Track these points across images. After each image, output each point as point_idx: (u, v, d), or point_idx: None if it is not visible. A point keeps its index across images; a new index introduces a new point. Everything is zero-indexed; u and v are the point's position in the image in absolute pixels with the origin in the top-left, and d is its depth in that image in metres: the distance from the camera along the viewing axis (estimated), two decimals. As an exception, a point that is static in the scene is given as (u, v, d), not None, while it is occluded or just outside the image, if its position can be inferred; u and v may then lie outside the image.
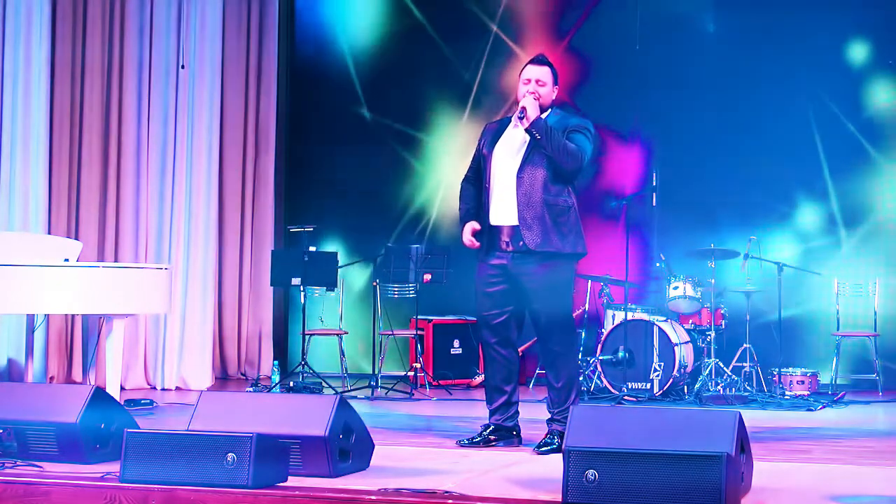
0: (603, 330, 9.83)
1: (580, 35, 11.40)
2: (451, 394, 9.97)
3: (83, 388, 5.51)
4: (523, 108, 6.07)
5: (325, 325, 11.00)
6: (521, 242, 6.08)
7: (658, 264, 10.13)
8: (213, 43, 10.92)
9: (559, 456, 4.59)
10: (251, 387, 10.32)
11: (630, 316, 9.61)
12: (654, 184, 9.71)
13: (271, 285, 10.81)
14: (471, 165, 6.45)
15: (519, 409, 6.36)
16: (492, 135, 6.33)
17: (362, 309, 11.44)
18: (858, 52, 10.73)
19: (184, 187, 10.67)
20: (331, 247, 11.59)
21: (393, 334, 10.62)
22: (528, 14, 11.63)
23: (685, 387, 9.54)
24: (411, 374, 10.33)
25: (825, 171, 10.75)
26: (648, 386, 9.38)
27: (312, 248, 10.12)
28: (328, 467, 4.91)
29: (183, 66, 10.64)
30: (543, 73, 6.24)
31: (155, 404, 8.79)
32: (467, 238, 6.32)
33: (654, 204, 9.86)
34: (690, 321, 9.87)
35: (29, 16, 9.98)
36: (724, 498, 4.16)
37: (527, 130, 6.07)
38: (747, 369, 9.73)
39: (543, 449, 6.01)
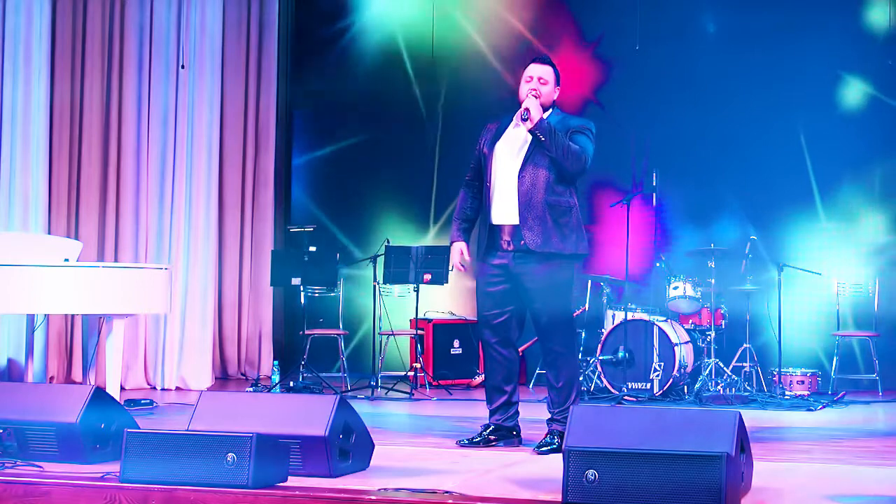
0: (603, 330, 9.83)
1: (581, 37, 11.42)
2: (451, 394, 9.97)
3: (83, 388, 5.51)
4: (526, 110, 6.05)
5: (325, 325, 11.00)
6: (522, 242, 6.07)
7: (658, 264, 10.13)
8: (213, 42, 10.93)
9: (559, 456, 4.59)
10: (251, 387, 10.32)
11: (630, 316, 9.61)
12: (654, 184, 9.71)
13: (271, 285, 10.81)
14: (470, 166, 6.43)
15: (519, 408, 6.36)
16: (492, 133, 6.32)
17: (362, 309, 11.43)
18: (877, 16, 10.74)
19: (184, 187, 10.67)
20: (331, 246, 11.61)
21: (393, 334, 10.62)
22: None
23: (685, 387, 9.54)
24: (411, 374, 10.33)
25: (823, 172, 10.75)
26: (648, 386, 9.38)
27: (312, 248, 10.12)
28: (328, 467, 4.91)
29: (183, 66, 10.65)
30: (546, 71, 6.23)
31: (155, 404, 8.79)
32: (456, 260, 6.34)
33: (654, 204, 9.86)
34: (690, 321, 9.87)
35: (29, 15, 9.98)
36: (724, 498, 4.16)
37: (530, 132, 6.06)
38: (747, 369, 9.73)
39: (543, 449, 6.01)
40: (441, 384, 10.39)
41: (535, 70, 6.24)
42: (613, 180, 10.92)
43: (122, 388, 9.40)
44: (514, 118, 6.18)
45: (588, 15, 11.45)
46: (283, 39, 11.96)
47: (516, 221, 6.09)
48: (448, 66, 11.91)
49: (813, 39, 10.64)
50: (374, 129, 12.15)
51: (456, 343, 10.91)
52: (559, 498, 4.41)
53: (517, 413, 6.34)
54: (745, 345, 9.79)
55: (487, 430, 6.28)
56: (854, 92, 10.73)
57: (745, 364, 9.75)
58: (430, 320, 10.83)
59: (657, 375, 9.36)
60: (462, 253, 6.34)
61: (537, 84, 6.18)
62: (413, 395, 9.76)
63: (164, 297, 7.90)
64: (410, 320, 10.69)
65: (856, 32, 10.71)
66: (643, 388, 9.40)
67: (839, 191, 10.73)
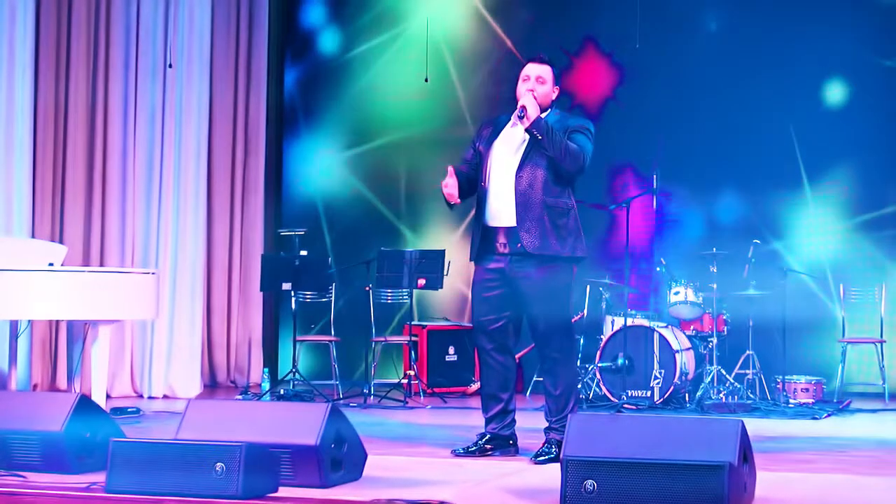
0: (602, 336, 9.83)
1: (577, 36, 11.44)
2: (446, 402, 9.97)
3: (68, 396, 5.51)
4: (523, 108, 6.05)
5: (317, 331, 11.00)
6: (519, 244, 6.07)
7: (658, 269, 10.13)
8: (202, 40, 10.92)
9: (557, 466, 4.59)
10: (241, 395, 10.32)
11: (630, 322, 9.61)
12: (655, 186, 9.71)
13: (261, 290, 10.81)
14: (464, 158, 6.39)
15: (516, 417, 6.36)
16: (489, 132, 6.32)
17: (354, 315, 11.42)
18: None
19: (171, 189, 10.66)
20: (322, 250, 11.61)
21: (386, 341, 10.61)
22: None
23: (686, 395, 9.55)
24: (405, 381, 10.33)
25: (830, 174, 10.77)
26: (648, 394, 9.39)
27: (303, 252, 10.11)
28: (319, 477, 4.91)
29: (170, 66, 10.63)
30: (544, 71, 6.24)
31: (142, 413, 8.79)
32: (447, 178, 6.20)
33: (654, 207, 9.86)
34: (692, 327, 9.87)
35: (12, 13, 9.95)
36: (726, 509, 4.17)
37: (527, 130, 6.06)
38: (750, 377, 9.73)
39: (541, 458, 6.01)
40: (436, 392, 10.38)
41: (533, 69, 6.24)
42: (612, 181, 10.95)
43: (108, 397, 9.38)
44: (512, 117, 6.18)
45: (595, 16, 11.43)
46: (274, 37, 11.96)
47: (513, 223, 6.08)
48: (464, 69, 11.93)
49: (818, 35, 10.67)
50: (369, 129, 12.16)
51: (451, 350, 10.91)
52: (557, 509, 4.41)
53: (514, 421, 6.34)
54: (747, 351, 9.79)
55: (483, 440, 6.28)
56: (858, 89, 10.74)
57: (747, 371, 9.75)
58: (424, 326, 10.83)
59: (657, 383, 9.36)
60: (452, 174, 6.19)
61: (534, 83, 6.18)
62: (407, 403, 9.76)
63: (151, 302, 7.89)
64: (404, 326, 10.69)
65: (859, 25, 10.73)
66: (643, 395, 9.41)
67: (846, 193, 10.73)
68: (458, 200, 6.18)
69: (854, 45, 10.66)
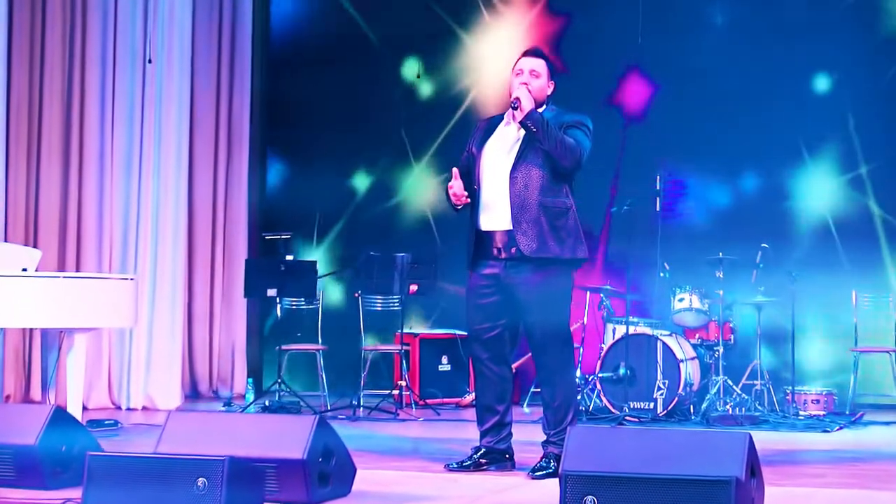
0: (603, 345, 9.84)
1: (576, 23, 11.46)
2: (439, 414, 9.97)
3: (42, 408, 5.51)
4: (516, 99, 6.06)
5: (303, 339, 11.00)
6: (515, 249, 6.07)
7: (662, 274, 10.13)
8: (183, 33, 10.91)
9: (555, 481, 4.60)
10: (223, 406, 10.32)
11: (632, 330, 9.62)
12: (658, 188, 9.72)
13: (245, 297, 10.79)
14: (461, 161, 6.40)
15: (512, 430, 6.36)
16: (482, 133, 6.33)
17: (343, 322, 11.42)
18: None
19: (151, 191, 10.64)
20: (309, 255, 11.60)
21: (376, 350, 10.61)
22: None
23: (691, 406, 9.56)
24: (396, 392, 10.33)
25: (840, 176, 10.79)
26: (651, 405, 9.39)
27: (289, 257, 10.11)
28: (306, 493, 4.91)
29: (150, 61, 10.62)
30: (538, 64, 6.25)
31: (120, 425, 8.78)
32: (452, 182, 6.21)
33: (657, 209, 9.85)
34: (697, 335, 9.87)
35: (-17, 5, 9.96)
36: (732, 526, 4.17)
37: (521, 123, 6.07)
38: (758, 387, 9.73)
39: (539, 473, 6.02)
40: (428, 403, 10.38)
41: (527, 63, 6.26)
42: (614, 182, 10.97)
43: (85, 408, 9.37)
44: (506, 114, 6.19)
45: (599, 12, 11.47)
46: (258, 30, 11.96)
47: (508, 226, 6.09)
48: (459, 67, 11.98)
49: (821, 30, 10.71)
50: (358, 127, 12.16)
51: (444, 359, 10.92)
52: (555, 526, 4.42)
53: (510, 434, 6.35)
54: (755, 361, 9.80)
55: (478, 453, 6.28)
56: (865, 84, 10.76)
57: (755, 382, 9.75)
58: (416, 334, 10.83)
59: (661, 394, 9.37)
60: (457, 175, 6.19)
61: (528, 77, 6.20)
62: (398, 415, 9.77)
63: (130, 309, 7.89)
64: (395, 334, 10.69)
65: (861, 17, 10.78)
66: (646, 407, 9.42)
67: (856, 194, 10.75)
68: (467, 200, 6.18)
69: (856, 36, 10.70)
